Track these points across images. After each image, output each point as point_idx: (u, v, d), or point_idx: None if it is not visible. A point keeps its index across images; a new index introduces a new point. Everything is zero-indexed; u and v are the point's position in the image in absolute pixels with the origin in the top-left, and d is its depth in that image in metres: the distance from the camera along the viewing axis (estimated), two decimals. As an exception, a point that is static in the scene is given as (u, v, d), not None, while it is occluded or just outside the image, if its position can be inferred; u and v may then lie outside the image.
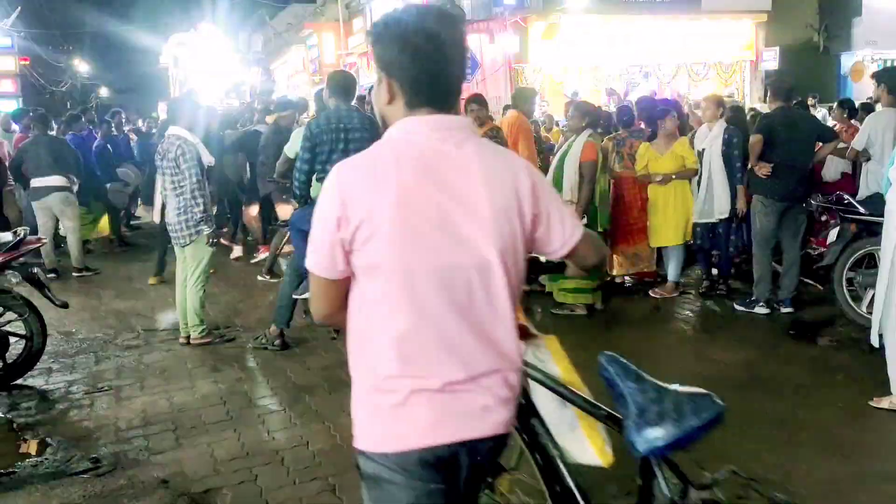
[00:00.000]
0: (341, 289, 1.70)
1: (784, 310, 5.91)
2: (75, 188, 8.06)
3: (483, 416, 1.65)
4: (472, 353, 1.64)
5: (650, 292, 6.54)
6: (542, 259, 7.08)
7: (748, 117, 8.54)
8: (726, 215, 6.20)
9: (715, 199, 6.19)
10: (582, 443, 2.08)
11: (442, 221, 1.61)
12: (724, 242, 6.41)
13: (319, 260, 1.66)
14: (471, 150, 1.67)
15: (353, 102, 5.14)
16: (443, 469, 1.66)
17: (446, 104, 1.67)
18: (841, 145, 6.35)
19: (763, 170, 5.69)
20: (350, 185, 1.61)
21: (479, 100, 6.69)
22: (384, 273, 1.61)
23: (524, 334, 2.03)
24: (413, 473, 1.63)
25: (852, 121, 8.18)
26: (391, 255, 1.59)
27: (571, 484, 2.05)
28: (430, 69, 1.63)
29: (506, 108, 11.22)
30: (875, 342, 4.23)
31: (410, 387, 1.61)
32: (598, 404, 2.03)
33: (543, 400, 2.13)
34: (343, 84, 5.00)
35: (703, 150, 6.29)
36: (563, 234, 1.76)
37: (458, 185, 1.63)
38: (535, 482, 2.17)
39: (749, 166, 5.97)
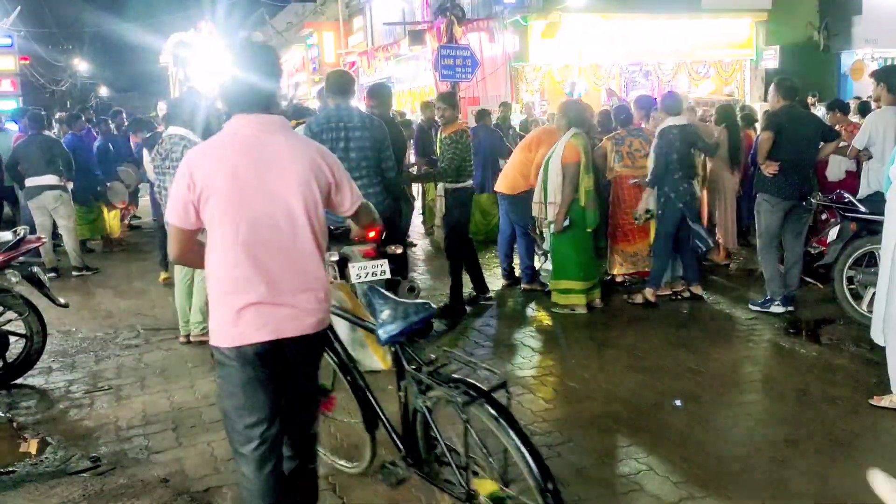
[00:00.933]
0: (191, 237, 2.43)
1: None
2: (70, 186, 8.05)
3: (294, 321, 2.39)
4: (286, 278, 2.37)
5: (638, 294, 6.36)
6: (541, 260, 7.11)
7: (744, 115, 8.55)
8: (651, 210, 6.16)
9: (647, 195, 6.18)
10: (369, 355, 3.05)
11: (260, 185, 2.34)
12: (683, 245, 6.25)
13: (176, 214, 2.37)
14: (282, 137, 2.42)
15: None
16: (268, 358, 2.38)
17: (261, 108, 2.40)
18: (842, 144, 6.34)
19: (770, 168, 5.65)
20: (196, 161, 2.37)
21: (445, 98, 6.37)
22: (220, 223, 2.33)
23: None
24: (246, 361, 2.36)
25: (849, 117, 8.17)
26: (224, 210, 2.31)
27: (363, 384, 3.07)
28: (243, 88, 2.39)
29: (502, 105, 11.23)
30: (876, 340, 4.23)
31: (243, 302, 2.33)
32: (370, 322, 2.87)
33: (341, 328, 3.07)
34: (341, 83, 5.00)
35: None
36: (352, 198, 2.58)
37: (272, 161, 2.37)
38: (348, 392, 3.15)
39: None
